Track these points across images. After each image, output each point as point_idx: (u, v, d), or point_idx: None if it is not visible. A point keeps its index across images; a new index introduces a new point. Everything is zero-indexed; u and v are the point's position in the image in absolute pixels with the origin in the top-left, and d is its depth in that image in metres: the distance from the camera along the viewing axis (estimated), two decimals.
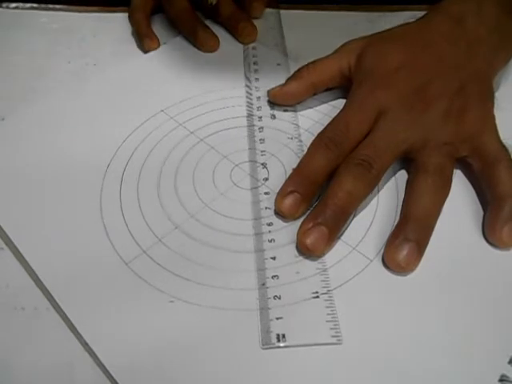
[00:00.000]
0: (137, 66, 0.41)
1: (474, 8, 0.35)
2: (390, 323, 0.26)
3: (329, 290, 0.27)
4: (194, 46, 0.42)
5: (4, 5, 0.47)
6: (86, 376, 0.24)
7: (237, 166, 0.33)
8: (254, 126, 0.36)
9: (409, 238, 0.28)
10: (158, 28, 0.44)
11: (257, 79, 0.39)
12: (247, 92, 0.38)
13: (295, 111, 0.37)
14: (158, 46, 0.42)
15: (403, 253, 0.27)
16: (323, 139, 0.31)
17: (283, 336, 0.25)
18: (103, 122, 0.36)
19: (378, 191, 0.32)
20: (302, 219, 0.29)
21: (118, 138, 0.35)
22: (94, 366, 0.25)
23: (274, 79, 0.37)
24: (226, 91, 0.38)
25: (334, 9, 0.46)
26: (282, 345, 0.25)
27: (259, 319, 0.26)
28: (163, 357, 0.25)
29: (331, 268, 0.28)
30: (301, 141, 0.34)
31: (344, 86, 0.36)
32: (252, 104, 0.37)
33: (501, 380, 0.24)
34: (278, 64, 0.40)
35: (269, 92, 0.37)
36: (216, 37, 0.42)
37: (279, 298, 0.26)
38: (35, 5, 0.47)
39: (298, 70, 0.37)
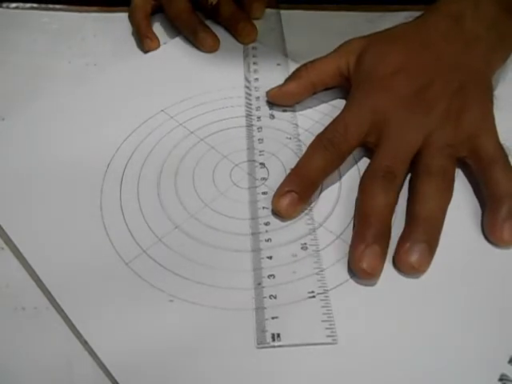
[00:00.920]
0: (137, 66, 0.41)
1: (472, 6, 0.35)
2: (386, 323, 0.26)
3: (325, 290, 0.27)
4: (194, 45, 0.42)
5: (4, 5, 0.47)
6: (86, 375, 0.24)
7: (237, 165, 0.33)
8: (252, 125, 0.36)
9: (419, 240, 0.28)
10: (158, 28, 0.44)
11: (256, 79, 0.39)
12: (247, 92, 0.38)
13: (294, 111, 0.37)
14: (158, 46, 0.42)
15: (415, 254, 0.27)
16: (322, 140, 0.31)
17: (278, 335, 0.25)
18: (103, 121, 0.36)
19: None
20: (298, 218, 0.29)
21: (118, 138, 0.35)
22: (93, 366, 0.25)
23: (274, 79, 0.37)
24: (226, 91, 0.38)
25: (333, 9, 0.46)
26: (276, 344, 0.25)
27: (255, 318, 0.26)
28: (162, 355, 0.25)
29: (328, 268, 0.28)
30: (300, 140, 0.34)
31: (343, 86, 0.36)
32: (251, 104, 0.37)
33: (501, 380, 0.24)
34: (278, 64, 0.40)
35: (268, 93, 0.37)
36: (216, 37, 0.42)
37: (275, 298, 0.27)
38: (35, 5, 0.47)
39: (297, 70, 0.37)
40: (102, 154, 0.34)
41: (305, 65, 0.36)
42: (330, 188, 0.32)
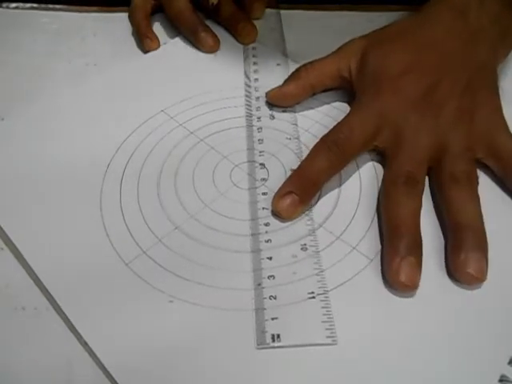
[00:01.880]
0: (137, 66, 0.41)
1: (477, 1, 0.34)
2: (386, 324, 0.26)
3: (325, 291, 0.27)
4: (194, 45, 0.42)
5: (4, 5, 0.47)
6: (86, 376, 0.24)
7: (237, 166, 0.33)
8: (252, 126, 0.36)
9: (472, 249, 0.27)
10: (158, 28, 0.44)
11: (256, 79, 0.39)
12: (247, 92, 0.38)
13: (294, 111, 0.37)
14: (158, 46, 0.42)
15: (473, 264, 0.27)
16: (326, 142, 0.31)
17: (278, 336, 0.25)
18: (103, 121, 0.36)
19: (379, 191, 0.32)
20: (298, 219, 0.29)
21: (118, 138, 0.35)
22: (93, 366, 0.25)
23: (274, 79, 0.37)
24: (226, 91, 0.38)
25: (333, 9, 0.46)
26: (276, 345, 0.25)
27: (254, 319, 0.26)
28: (162, 356, 0.25)
29: (328, 269, 0.28)
30: (300, 141, 0.34)
31: (342, 88, 0.36)
32: (251, 104, 0.37)
33: (501, 381, 0.24)
34: (278, 64, 0.40)
35: (267, 94, 0.37)
36: (216, 37, 0.42)
37: (275, 299, 0.27)
38: (35, 5, 0.47)
39: (296, 71, 0.37)
40: (101, 154, 0.34)
41: (304, 66, 0.36)
42: (329, 188, 0.32)
